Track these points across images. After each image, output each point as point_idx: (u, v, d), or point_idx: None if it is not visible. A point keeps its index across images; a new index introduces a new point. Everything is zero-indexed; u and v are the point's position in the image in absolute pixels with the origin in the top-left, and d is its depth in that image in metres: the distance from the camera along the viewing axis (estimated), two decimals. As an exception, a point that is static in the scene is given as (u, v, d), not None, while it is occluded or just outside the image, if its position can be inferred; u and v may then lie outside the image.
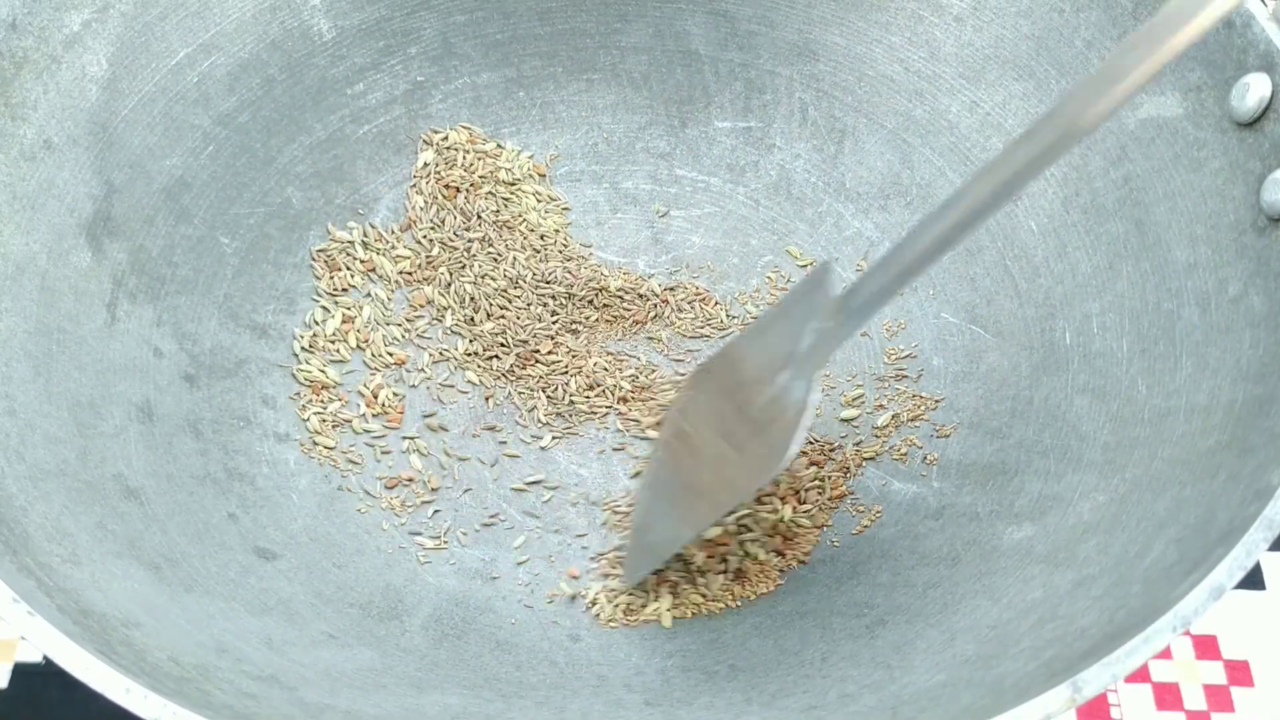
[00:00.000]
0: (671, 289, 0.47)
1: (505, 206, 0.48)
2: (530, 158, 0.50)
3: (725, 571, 0.40)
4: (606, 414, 0.44)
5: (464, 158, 0.49)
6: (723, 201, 0.49)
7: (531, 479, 0.43)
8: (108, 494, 0.35)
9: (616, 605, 0.39)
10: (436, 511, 0.42)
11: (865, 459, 0.42)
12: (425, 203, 0.48)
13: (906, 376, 0.44)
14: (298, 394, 0.43)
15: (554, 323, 0.46)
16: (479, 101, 0.49)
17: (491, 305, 0.46)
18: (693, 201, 0.49)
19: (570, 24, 0.49)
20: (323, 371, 0.44)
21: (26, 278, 0.37)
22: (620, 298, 0.47)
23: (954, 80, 0.45)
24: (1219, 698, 0.42)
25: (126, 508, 0.35)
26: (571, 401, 0.44)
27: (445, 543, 0.41)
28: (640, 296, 0.47)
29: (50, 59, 0.39)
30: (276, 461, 0.41)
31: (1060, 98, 0.31)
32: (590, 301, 0.46)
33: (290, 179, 0.46)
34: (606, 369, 0.45)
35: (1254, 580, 0.45)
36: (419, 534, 0.41)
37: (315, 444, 0.42)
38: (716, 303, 0.47)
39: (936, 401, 0.43)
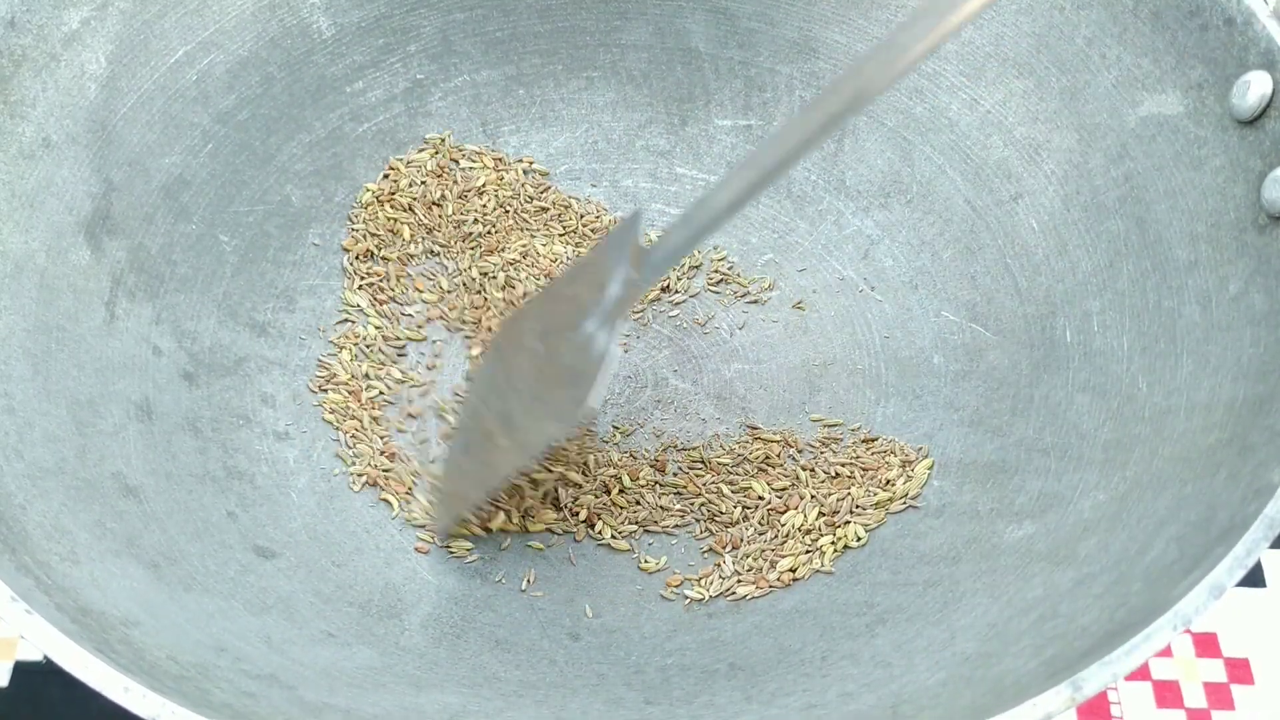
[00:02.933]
0: (668, 288, 0.47)
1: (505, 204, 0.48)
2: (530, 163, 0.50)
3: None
4: None
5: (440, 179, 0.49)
6: (723, 199, 0.49)
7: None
8: (106, 492, 0.35)
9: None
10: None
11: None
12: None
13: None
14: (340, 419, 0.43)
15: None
16: (478, 99, 0.49)
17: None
18: (693, 199, 0.49)
19: (570, 21, 0.49)
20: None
21: (25, 276, 0.37)
22: None
23: (954, 78, 0.45)
24: (1219, 696, 0.42)
25: (125, 506, 0.35)
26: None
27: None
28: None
29: (49, 57, 0.39)
30: (276, 460, 0.41)
31: (850, 66, 0.32)
32: None
33: (289, 177, 0.46)
34: None
35: (1254, 578, 0.44)
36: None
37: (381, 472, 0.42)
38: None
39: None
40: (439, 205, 0.48)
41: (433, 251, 0.47)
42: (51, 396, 0.35)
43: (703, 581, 0.39)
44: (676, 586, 0.39)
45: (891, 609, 0.36)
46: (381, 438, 0.43)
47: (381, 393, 0.44)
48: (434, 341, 0.45)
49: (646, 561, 0.40)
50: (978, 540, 0.38)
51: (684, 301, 0.47)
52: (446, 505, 0.40)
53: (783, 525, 0.40)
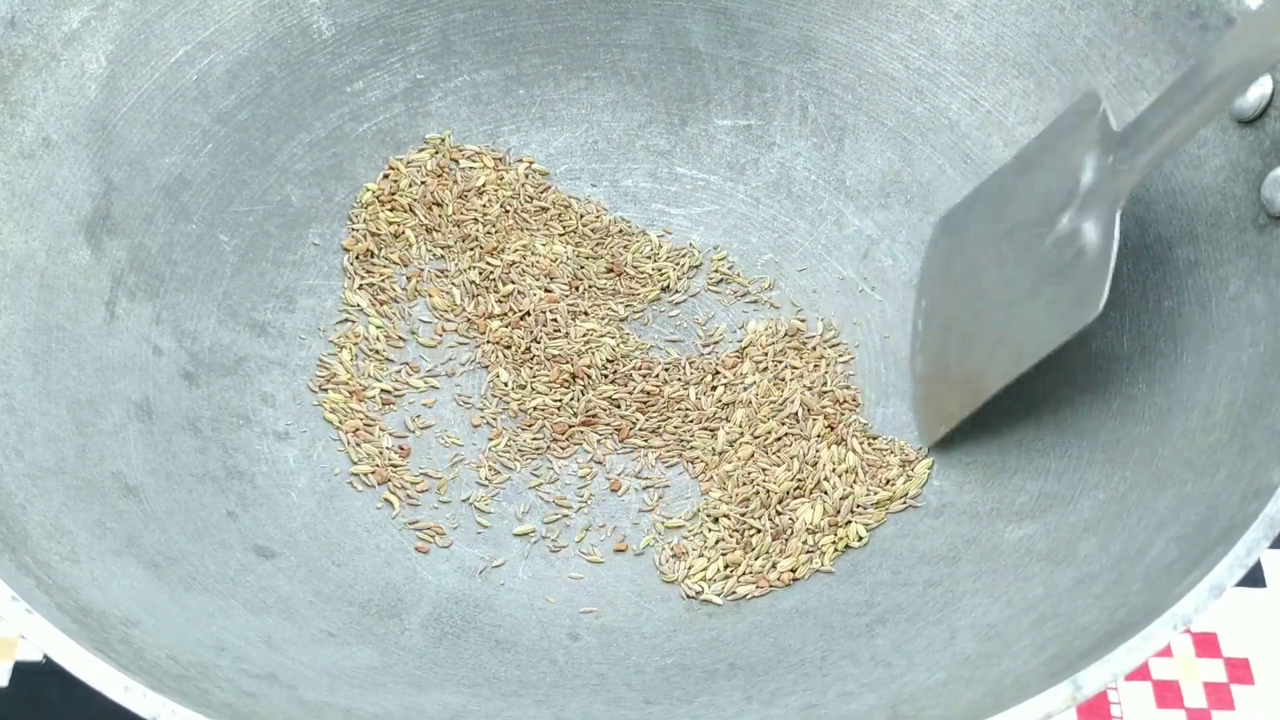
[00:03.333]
0: (668, 288, 0.47)
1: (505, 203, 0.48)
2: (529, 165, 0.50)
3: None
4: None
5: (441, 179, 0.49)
6: (723, 200, 0.49)
7: (533, 483, 0.43)
8: (107, 492, 0.35)
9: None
10: (444, 503, 0.41)
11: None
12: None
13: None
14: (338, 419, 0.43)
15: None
16: (478, 99, 0.49)
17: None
18: (692, 200, 0.49)
19: (570, 21, 0.49)
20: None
21: (25, 275, 0.37)
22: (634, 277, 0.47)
23: (954, 78, 0.45)
24: (1219, 695, 0.42)
25: (125, 506, 0.35)
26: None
27: (449, 541, 0.41)
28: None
29: (49, 56, 0.39)
30: (276, 460, 0.41)
31: None
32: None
33: (289, 177, 0.46)
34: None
35: (1254, 578, 0.44)
36: (420, 528, 0.41)
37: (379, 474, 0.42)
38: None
39: None
40: (439, 205, 0.48)
41: (433, 252, 0.47)
42: (51, 396, 0.35)
43: (715, 581, 0.40)
44: (685, 581, 0.40)
45: (891, 609, 0.36)
46: (393, 435, 0.43)
47: (384, 392, 0.44)
48: (435, 341, 0.45)
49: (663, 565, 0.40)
50: (978, 540, 0.38)
51: (684, 301, 0.47)
52: (933, 419, 0.41)
53: (795, 519, 0.40)
